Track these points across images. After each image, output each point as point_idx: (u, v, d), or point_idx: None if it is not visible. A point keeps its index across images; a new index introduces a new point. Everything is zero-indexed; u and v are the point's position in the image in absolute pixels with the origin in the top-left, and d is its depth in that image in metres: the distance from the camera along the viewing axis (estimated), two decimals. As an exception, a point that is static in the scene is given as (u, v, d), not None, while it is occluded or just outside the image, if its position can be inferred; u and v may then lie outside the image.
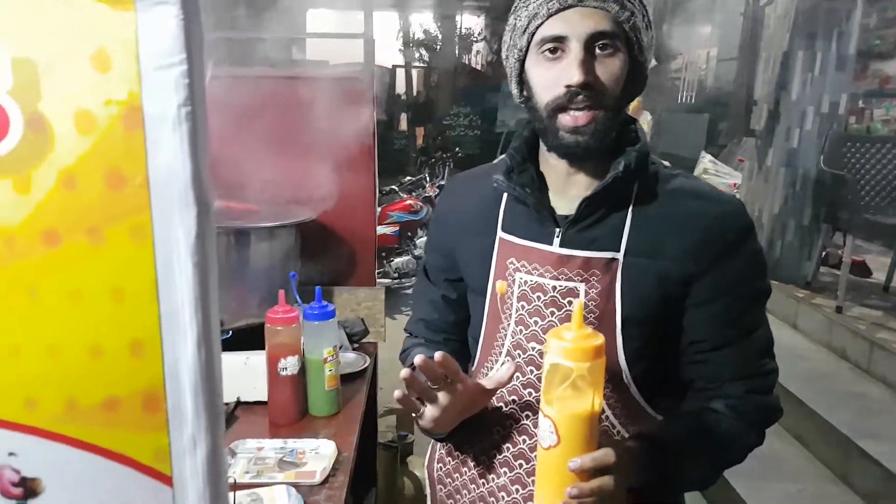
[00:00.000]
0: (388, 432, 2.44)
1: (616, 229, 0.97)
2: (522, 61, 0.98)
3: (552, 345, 0.79)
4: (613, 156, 0.97)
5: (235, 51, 2.04)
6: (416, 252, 5.90)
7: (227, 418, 1.46)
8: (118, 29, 0.44)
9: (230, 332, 1.59)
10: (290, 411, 1.47)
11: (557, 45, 0.92)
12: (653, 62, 2.08)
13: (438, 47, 13.47)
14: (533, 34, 0.94)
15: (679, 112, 9.51)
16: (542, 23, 0.93)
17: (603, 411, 0.96)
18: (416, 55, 13.77)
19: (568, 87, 0.91)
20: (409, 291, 6.07)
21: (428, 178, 6.25)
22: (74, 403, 0.47)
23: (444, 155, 6.85)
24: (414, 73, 13.88)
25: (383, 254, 5.42)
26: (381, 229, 5.28)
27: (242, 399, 1.51)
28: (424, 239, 6.20)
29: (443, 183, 6.27)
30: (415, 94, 13.62)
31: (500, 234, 1.05)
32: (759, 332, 1.01)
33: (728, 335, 0.98)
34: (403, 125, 12.81)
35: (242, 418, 1.49)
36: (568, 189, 1.01)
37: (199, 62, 0.45)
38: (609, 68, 0.93)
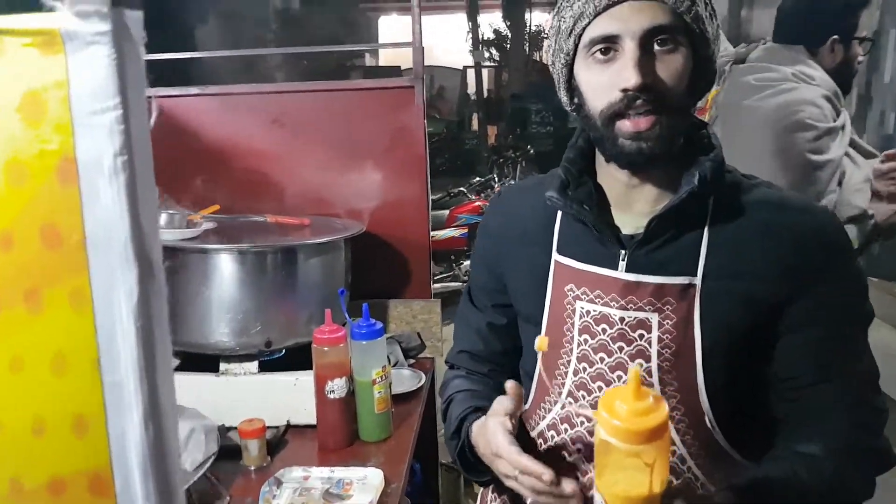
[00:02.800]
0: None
1: (691, 250, 0.86)
2: (570, 66, 0.89)
3: (602, 418, 0.68)
4: (681, 164, 0.87)
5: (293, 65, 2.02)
6: (487, 254, 5.82)
7: (277, 442, 1.44)
8: (48, 73, 0.39)
9: (283, 350, 1.56)
10: (339, 436, 1.42)
11: (609, 45, 0.83)
12: (728, 49, 1.94)
13: (508, 46, 13.36)
14: (580, 36, 0.85)
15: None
16: (589, 22, 0.83)
17: (683, 460, 0.88)
18: (487, 55, 13.70)
19: (624, 91, 0.82)
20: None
21: (497, 178, 6.15)
22: (18, 484, 0.42)
23: (515, 154, 6.73)
24: (484, 72, 13.83)
25: (452, 256, 5.37)
26: (449, 232, 5.23)
27: (292, 422, 1.48)
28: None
29: (512, 183, 6.17)
30: (485, 93, 13.56)
31: (555, 256, 0.95)
32: (864, 364, 0.88)
33: (827, 368, 0.86)
34: (475, 125, 12.77)
35: (293, 442, 1.45)
36: (632, 204, 0.91)
37: (139, 104, 0.39)
38: (670, 66, 0.82)
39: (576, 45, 0.86)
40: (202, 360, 1.51)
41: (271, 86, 1.98)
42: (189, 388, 1.47)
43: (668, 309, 0.86)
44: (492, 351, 1.08)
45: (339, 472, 1.31)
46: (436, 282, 4.91)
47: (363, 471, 1.30)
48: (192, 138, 1.90)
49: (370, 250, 1.87)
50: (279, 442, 1.44)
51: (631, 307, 0.87)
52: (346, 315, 1.46)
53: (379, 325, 1.42)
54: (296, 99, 1.90)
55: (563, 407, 0.93)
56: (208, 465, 1.23)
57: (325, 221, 1.78)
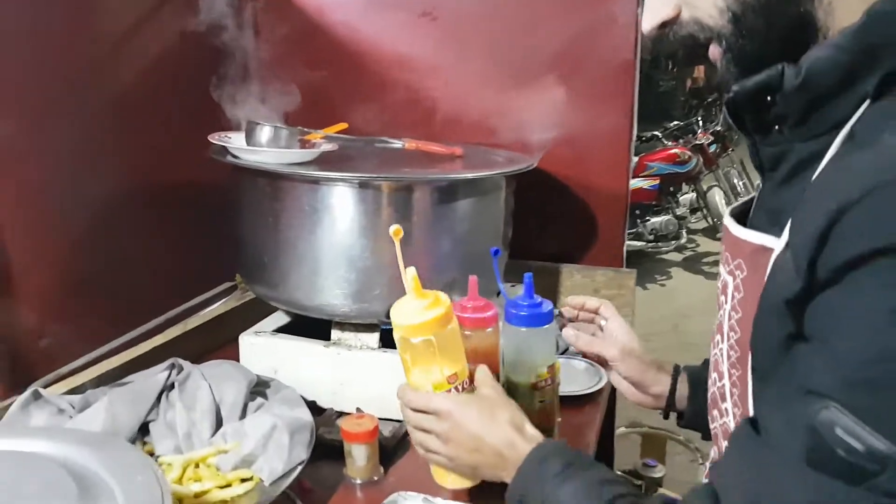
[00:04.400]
0: (627, 459, 1.90)
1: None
2: None
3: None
4: None
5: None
6: (679, 211, 5.11)
7: (395, 447, 1.05)
8: None
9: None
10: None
11: None
12: None
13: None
14: None
15: None
16: None
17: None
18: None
19: None
20: (667, 257, 5.33)
21: (700, 123, 5.34)
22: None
23: (718, 98, 5.83)
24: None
25: (637, 212, 4.73)
26: (636, 182, 4.59)
27: (418, 421, 1.09)
28: (690, 196, 5.37)
29: (718, 129, 5.33)
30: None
31: None
32: None
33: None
34: (670, 64, 11.55)
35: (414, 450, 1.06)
36: None
37: None
38: None
39: None
40: (314, 324, 1.15)
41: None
42: (292, 356, 1.13)
43: (739, 275, 0.66)
44: None
45: (472, 515, 0.90)
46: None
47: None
48: (321, 37, 1.51)
49: (540, 197, 1.41)
50: (398, 446, 1.06)
51: (724, 265, 0.71)
52: (501, 286, 1.03)
53: (548, 305, 0.97)
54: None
55: None
56: (291, 479, 0.87)
57: (482, 153, 1.34)
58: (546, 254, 1.42)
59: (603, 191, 1.43)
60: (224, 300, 1.39)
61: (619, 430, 1.88)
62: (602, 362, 1.00)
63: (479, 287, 0.98)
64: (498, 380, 0.99)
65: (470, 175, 1.11)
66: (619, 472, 1.76)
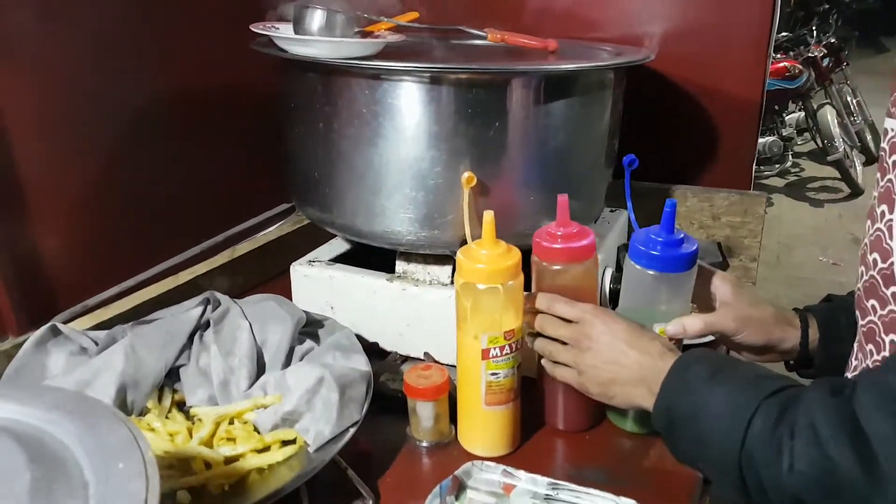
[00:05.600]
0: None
1: None
2: None
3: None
4: None
5: None
6: (785, 132, 4.63)
7: (471, 403, 0.88)
8: None
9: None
10: (576, 413, 0.82)
11: None
12: None
13: None
14: None
15: None
16: None
17: None
18: None
19: None
20: (768, 182, 4.89)
21: (814, 34, 4.77)
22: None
23: (828, 8, 5.19)
24: None
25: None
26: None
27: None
28: (797, 115, 4.86)
29: (833, 41, 4.75)
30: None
31: None
32: None
33: None
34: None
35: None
36: None
37: None
38: None
39: None
40: (378, 253, 0.97)
41: None
42: (350, 290, 0.96)
43: None
44: None
45: (568, 493, 0.71)
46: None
47: (607, 501, 0.69)
48: None
49: (652, 103, 1.16)
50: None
51: None
52: (632, 213, 0.81)
53: (691, 244, 0.75)
54: None
55: None
56: (340, 445, 0.70)
57: (582, 48, 1.09)
58: (655, 173, 1.18)
59: (731, 96, 1.15)
60: (279, 224, 1.22)
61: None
62: (722, 339, 0.78)
63: (572, 212, 0.76)
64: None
65: (571, 67, 0.87)
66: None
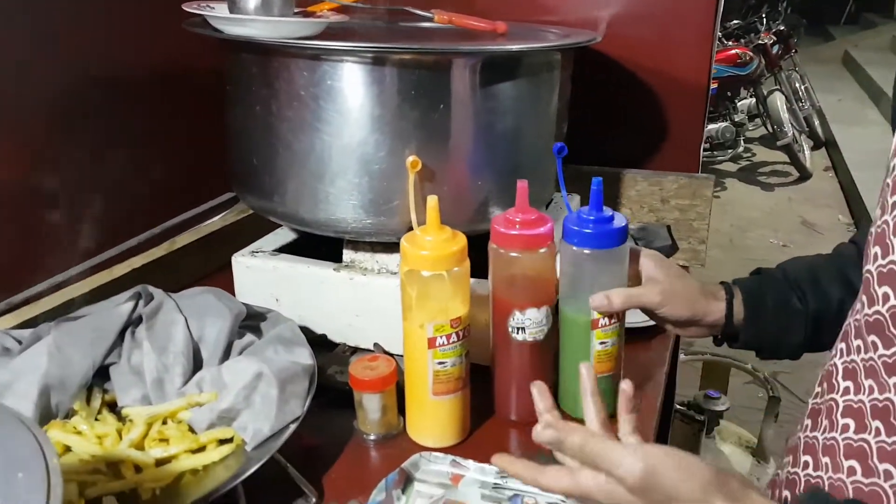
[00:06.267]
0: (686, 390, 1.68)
1: None
2: None
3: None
4: None
5: None
6: (737, 118, 4.71)
7: (421, 394, 0.85)
8: None
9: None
10: (526, 403, 0.81)
11: None
12: None
13: None
14: None
15: None
16: None
17: None
18: None
19: None
20: (721, 167, 4.98)
21: (764, 21, 4.85)
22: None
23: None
24: None
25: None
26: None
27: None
28: (749, 101, 4.94)
29: (782, 28, 4.84)
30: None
31: None
32: None
33: None
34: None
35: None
36: None
37: None
38: None
39: None
40: (324, 243, 0.94)
41: None
42: (296, 281, 0.92)
43: None
44: None
45: (517, 482, 0.70)
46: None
47: (561, 502, 0.68)
48: None
49: (600, 87, 1.14)
50: (425, 393, 0.86)
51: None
52: (566, 196, 0.79)
53: (620, 220, 0.74)
54: None
55: None
56: (281, 442, 0.67)
57: (531, 31, 1.07)
58: (605, 157, 1.17)
59: (679, 80, 1.15)
60: (222, 214, 1.18)
61: (679, 359, 1.66)
62: (647, 312, 0.77)
63: (531, 196, 0.74)
64: (555, 314, 0.78)
65: (517, 47, 0.85)
66: (678, 405, 1.56)
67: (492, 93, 0.82)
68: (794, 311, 0.76)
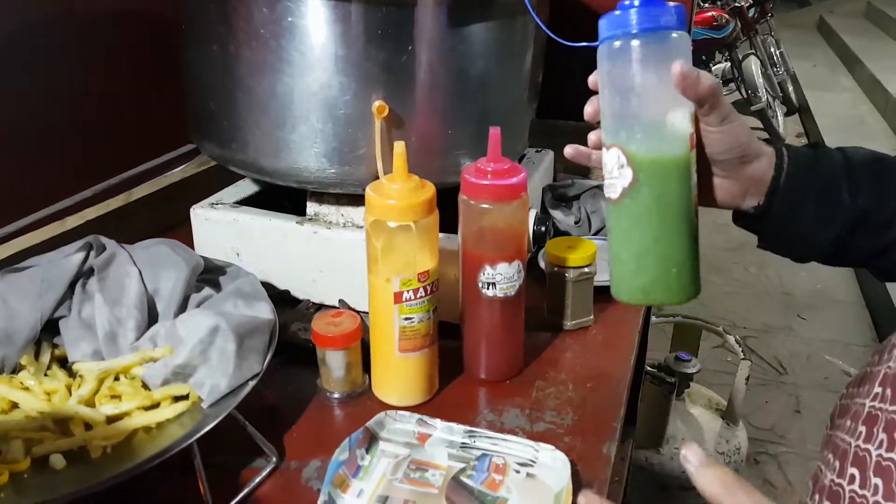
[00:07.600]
0: (656, 353, 1.69)
1: None
2: None
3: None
4: None
5: None
6: (712, 82, 4.68)
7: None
8: None
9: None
10: (496, 362, 0.78)
11: None
12: None
13: None
14: None
15: None
16: None
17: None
18: None
19: None
20: (696, 131, 4.96)
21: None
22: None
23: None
24: None
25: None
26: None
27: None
28: (724, 65, 4.93)
29: (759, -8, 4.81)
30: None
31: None
32: None
33: None
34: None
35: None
36: None
37: None
38: None
39: None
40: (288, 194, 0.90)
41: None
42: (258, 235, 0.88)
43: None
44: None
45: (485, 441, 0.68)
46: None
47: (533, 445, 0.66)
48: None
49: (579, 35, 1.10)
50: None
51: None
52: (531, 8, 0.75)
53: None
54: None
55: None
56: (238, 399, 0.64)
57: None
58: (580, 111, 1.13)
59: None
60: (183, 166, 1.13)
61: (650, 321, 1.66)
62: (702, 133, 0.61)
63: (505, 145, 0.71)
64: (527, 269, 0.75)
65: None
66: (648, 367, 1.56)
67: (463, 35, 0.78)
68: (840, 201, 0.63)
